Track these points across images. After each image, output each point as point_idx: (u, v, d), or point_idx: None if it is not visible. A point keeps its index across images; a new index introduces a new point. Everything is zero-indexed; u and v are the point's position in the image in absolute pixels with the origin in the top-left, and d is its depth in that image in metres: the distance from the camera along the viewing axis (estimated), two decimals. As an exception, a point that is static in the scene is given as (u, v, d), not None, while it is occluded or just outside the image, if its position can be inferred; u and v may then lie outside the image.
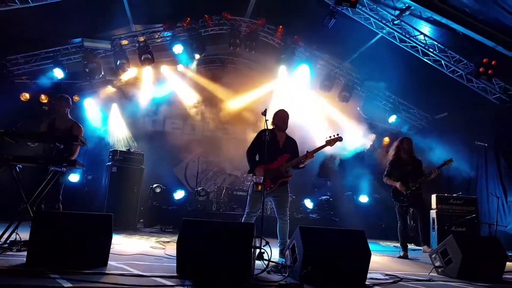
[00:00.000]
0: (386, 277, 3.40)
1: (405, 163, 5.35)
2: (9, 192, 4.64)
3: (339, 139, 4.40)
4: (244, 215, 4.23)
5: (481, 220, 6.95)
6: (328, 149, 4.52)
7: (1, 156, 3.62)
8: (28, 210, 3.60)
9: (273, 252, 3.28)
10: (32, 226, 2.86)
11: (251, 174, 4.28)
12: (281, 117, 4.33)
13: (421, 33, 7.13)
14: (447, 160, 5.27)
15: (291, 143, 4.42)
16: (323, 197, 8.50)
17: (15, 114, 7.01)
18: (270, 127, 4.28)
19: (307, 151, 4.26)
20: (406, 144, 5.39)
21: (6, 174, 3.76)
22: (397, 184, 5.29)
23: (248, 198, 4.28)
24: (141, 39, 7.68)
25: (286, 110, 4.43)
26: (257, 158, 4.32)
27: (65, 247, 2.70)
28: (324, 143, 4.38)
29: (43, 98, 7.68)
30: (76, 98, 7.71)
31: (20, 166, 3.85)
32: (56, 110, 4.69)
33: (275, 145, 4.21)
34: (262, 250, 3.33)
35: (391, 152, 5.54)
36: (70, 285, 2.15)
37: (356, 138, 9.48)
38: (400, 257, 5.27)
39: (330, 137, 4.40)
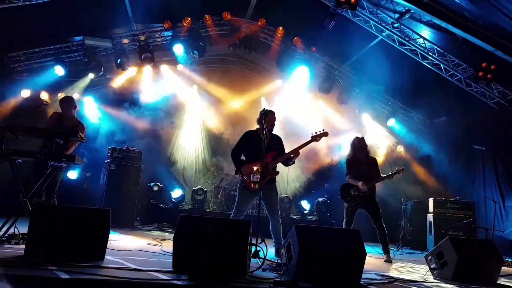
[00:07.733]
0: (381, 278, 3.42)
1: (361, 162, 5.13)
2: (8, 187, 4.66)
3: (325, 134, 4.40)
4: (232, 214, 4.25)
5: (478, 225, 6.95)
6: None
7: (1, 150, 3.64)
8: (27, 204, 3.62)
9: (268, 251, 3.29)
10: (31, 219, 2.88)
11: (238, 174, 4.30)
12: (270, 119, 4.31)
13: (421, 36, 7.18)
14: (400, 169, 5.08)
15: (276, 140, 4.43)
16: (320, 199, 8.50)
17: (16, 110, 7.06)
18: (256, 126, 4.35)
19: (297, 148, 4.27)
20: (358, 142, 5.19)
21: (5, 169, 3.79)
22: (359, 184, 4.95)
23: (237, 197, 4.31)
24: (142, 38, 7.72)
25: (274, 112, 4.41)
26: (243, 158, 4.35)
27: (62, 240, 2.72)
28: (310, 138, 4.37)
29: (44, 95, 7.70)
30: (75, 95, 7.74)
31: (20, 160, 3.88)
32: (62, 111, 4.64)
33: (260, 143, 4.11)
34: (258, 248, 3.35)
35: (348, 151, 5.35)
36: (67, 276, 2.17)
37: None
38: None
39: (316, 132, 4.40)
